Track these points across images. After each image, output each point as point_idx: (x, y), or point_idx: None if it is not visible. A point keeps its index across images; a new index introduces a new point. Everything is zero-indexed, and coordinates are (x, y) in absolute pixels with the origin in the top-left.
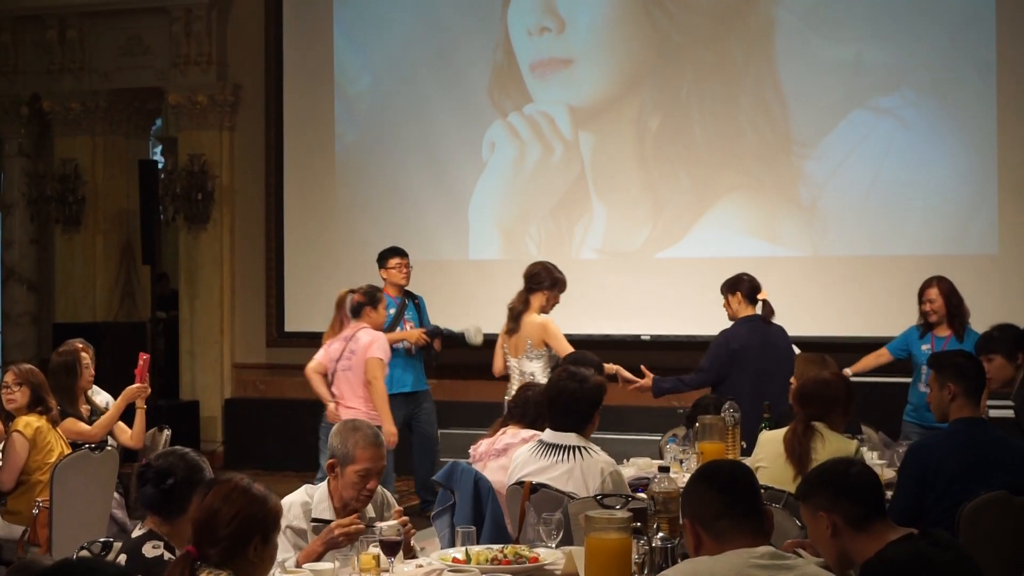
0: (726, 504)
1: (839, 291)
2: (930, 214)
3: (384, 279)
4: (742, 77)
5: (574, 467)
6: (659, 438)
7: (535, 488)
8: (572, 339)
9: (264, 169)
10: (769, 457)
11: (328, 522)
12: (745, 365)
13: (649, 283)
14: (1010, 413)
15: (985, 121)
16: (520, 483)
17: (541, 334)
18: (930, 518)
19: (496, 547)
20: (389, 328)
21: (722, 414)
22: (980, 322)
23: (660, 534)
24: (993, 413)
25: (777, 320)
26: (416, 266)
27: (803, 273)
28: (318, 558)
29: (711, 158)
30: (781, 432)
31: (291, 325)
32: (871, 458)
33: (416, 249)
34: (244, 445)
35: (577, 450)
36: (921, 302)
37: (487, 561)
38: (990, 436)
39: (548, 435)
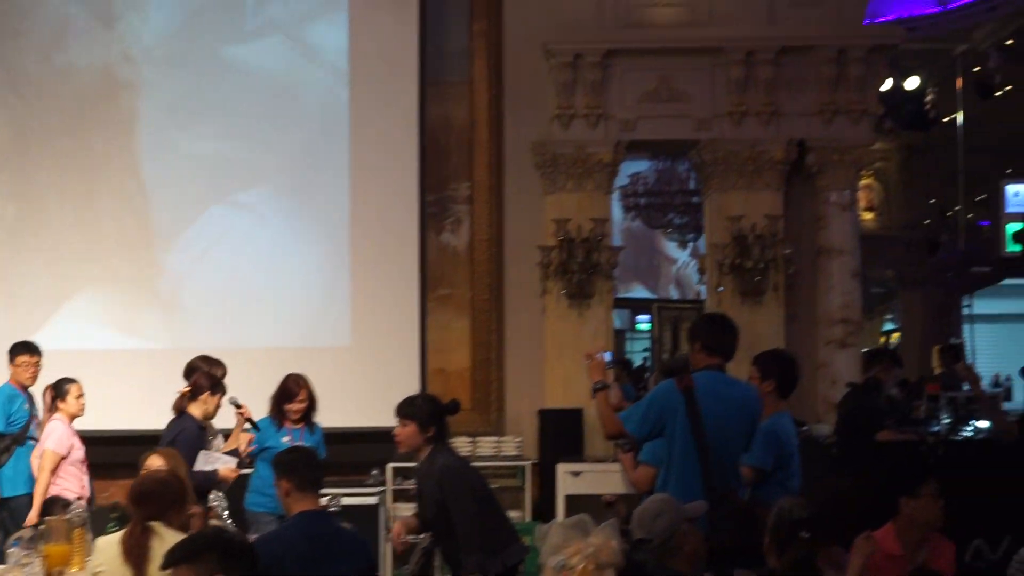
0: None
1: None
2: (287, 307)
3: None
4: (104, 168)
5: None
6: None
7: None
8: None
9: None
10: (108, 561)
11: None
12: None
13: None
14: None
15: (339, 219)
16: None
17: None
18: None
19: None
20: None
21: (67, 515)
22: (337, 412)
23: None
24: (346, 501)
25: (143, 413)
26: None
27: (164, 366)
28: None
29: (69, 249)
30: (118, 536)
31: None
32: None
33: None
34: None
35: None
36: (287, 399)
37: None
38: (330, 527)
39: None
